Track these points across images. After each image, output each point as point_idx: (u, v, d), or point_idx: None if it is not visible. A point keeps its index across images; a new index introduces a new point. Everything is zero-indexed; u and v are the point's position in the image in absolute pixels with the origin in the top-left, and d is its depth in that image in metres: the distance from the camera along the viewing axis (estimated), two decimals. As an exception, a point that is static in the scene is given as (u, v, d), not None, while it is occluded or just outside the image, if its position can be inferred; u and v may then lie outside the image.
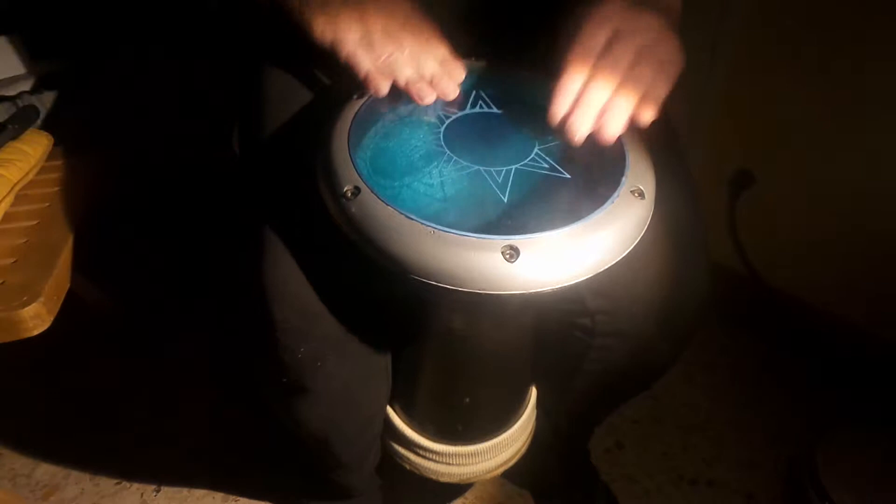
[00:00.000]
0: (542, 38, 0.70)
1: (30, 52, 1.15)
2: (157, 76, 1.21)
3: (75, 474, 1.21)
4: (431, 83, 0.65)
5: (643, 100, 0.59)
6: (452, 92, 0.66)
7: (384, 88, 0.64)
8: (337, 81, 0.74)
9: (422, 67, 0.65)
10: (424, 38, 0.66)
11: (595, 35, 0.59)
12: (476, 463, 0.88)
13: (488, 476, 0.90)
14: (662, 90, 0.60)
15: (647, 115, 0.59)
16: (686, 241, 0.71)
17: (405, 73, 0.64)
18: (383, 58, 0.63)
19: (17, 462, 1.23)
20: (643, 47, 0.59)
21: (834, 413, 1.26)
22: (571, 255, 0.52)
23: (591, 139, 0.59)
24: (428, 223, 0.52)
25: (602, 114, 0.58)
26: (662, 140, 0.70)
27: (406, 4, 0.67)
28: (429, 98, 0.64)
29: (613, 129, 0.58)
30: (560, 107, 0.59)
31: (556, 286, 0.52)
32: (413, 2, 0.68)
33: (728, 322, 1.41)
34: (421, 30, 0.66)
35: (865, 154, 1.12)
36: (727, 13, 1.17)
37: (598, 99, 0.58)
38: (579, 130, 0.58)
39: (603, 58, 0.59)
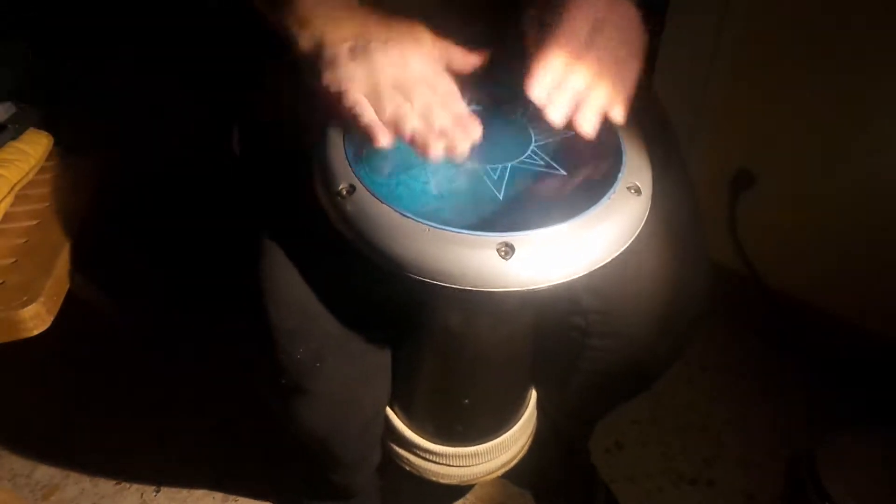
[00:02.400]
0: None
1: (30, 52, 1.15)
2: (156, 76, 1.21)
3: (75, 474, 1.21)
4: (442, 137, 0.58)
5: (615, 96, 0.59)
6: (463, 148, 0.58)
7: (385, 141, 0.58)
8: None
9: (434, 121, 0.59)
10: (440, 93, 0.62)
11: (579, 21, 0.58)
12: (477, 464, 0.88)
13: (489, 477, 0.90)
14: (630, 89, 0.60)
15: (620, 113, 0.59)
16: (684, 241, 0.71)
17: (412, 124, 0.58)
18: (389, 111, 0.59)
19: (17, 462, 1.23)
20: (621, 42, 0.59)
21: (834, 413, 1.26)
22: (567, 251, 0.52)
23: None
24: (423, 221, 0.52)
25: (578, 106, 0.58)
26: (660, 140, 0.70)
27: (421, 53, 0.63)
28: (436, 150, 0.57)
29: (589, 124, 0.58)
30: (540, 88, 0.57)
31: (553, 283, 0.52)
32: (429, 49, 0.64)
33: (728, 322, 1.41)
34: (437, 84, 0.62)
35: (865, 154, 1.12)
36: (728, 13, 1.17)
37: (576, 87, 0.58)
38: (558, 116, 0.57)
39: (586, 47, 0.58)
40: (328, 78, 0.60)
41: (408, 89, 0.60)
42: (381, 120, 0.59)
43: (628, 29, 0.61)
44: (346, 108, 0.59)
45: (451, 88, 0.63)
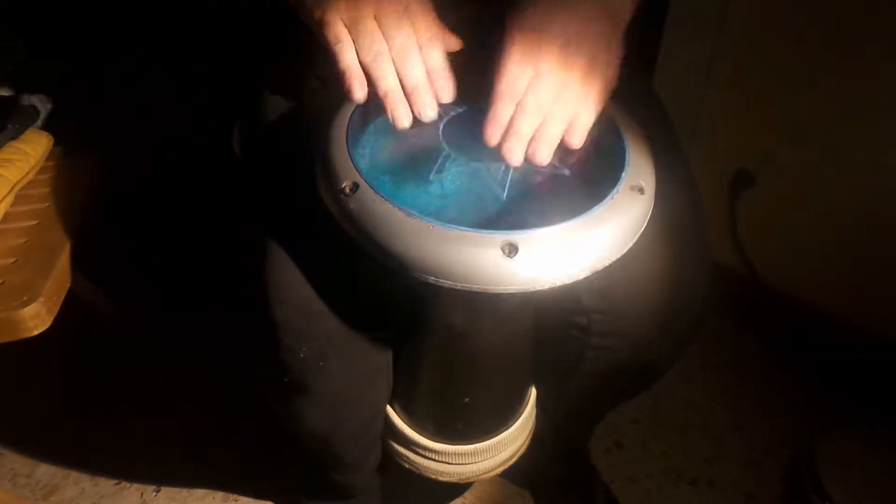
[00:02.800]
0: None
1: (30, 52, 1.15)
2: (157, 76, 1.21)
3: (75, 474, 1.21)
4: (412, 97, 0.61)
5: (570, 127, 0.59)
6: (430, 112, 0.61)
7: (359, 94, 0.61)
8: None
9: (407, 75, 0.61)
10: (423, 35, 0.62)
11: (521, 67, 0.58)
12: (476, 462, 0.87)
13: (488, 475, 0.90)
14: (590, 116, 0.60)
15: (575, 141, 0.59)
16: (686, 241, 0.71)
17: (388, 82, 0.60)
18: (365, 52, 0.60)
19: (17, 462, 1.23)
20: (591, 59, 0.59)
21: (834, 413, 1.26)
22: (571, 250, 0.52)
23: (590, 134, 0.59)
24: (427, 219, 0.52)
25: (533, 141, 0.58)
26: (662, 139, 0.70)
27: None
28: (403, 122, 0.61)
29: (541, 157, 0.58)
30: (492, 136, 0.59)
31: (556, 283, 0.52)
32: None
33: (728, 322, 1.41)
34: (421, 24, 0.62)
35: (866, 154, 1.12)
36: (728, 13, 1.17)
37: (527, 129, 0.58)
38: (512, 160, 0.58)
39: (532, 87, 0.58)
40: (311, 5, 0.62)
41: (390, 27, 0.61)
42: (359, 60, 0.60)
43: (598, 47, 0.60)
44: (327, 43, 0.61)
45: (435, 27, 0.63)
